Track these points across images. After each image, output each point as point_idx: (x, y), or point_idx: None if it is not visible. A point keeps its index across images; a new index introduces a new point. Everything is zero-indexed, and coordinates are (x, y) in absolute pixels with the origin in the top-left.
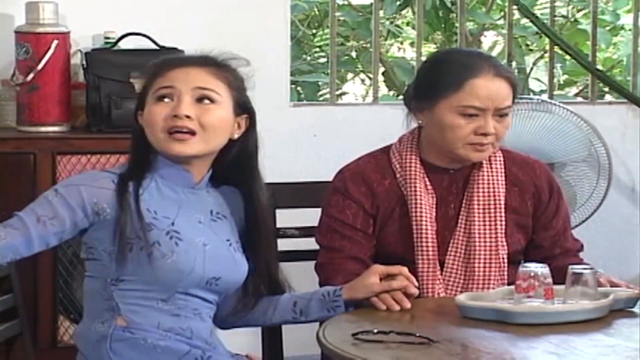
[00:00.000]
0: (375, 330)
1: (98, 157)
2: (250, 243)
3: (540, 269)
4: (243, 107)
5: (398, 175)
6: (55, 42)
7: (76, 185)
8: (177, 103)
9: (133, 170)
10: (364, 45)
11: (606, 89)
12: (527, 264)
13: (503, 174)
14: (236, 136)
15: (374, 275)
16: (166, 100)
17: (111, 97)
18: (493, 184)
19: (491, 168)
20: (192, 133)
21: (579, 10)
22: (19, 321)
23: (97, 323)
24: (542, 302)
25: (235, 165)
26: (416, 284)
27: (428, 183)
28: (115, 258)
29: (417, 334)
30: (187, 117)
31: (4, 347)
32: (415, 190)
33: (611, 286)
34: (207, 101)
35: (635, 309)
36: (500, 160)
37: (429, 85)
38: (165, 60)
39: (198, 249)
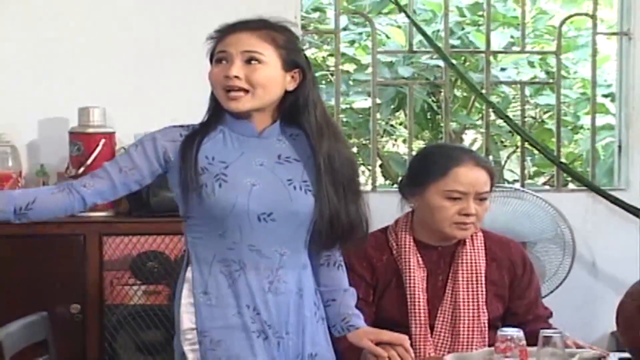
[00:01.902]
0: None
1: (138, 238)
2: (315, 182)
3: (515, 333)
4: (292, 63)
5: (394, 252)
6: (103, 140)
7: (153, 139)
8: (229, 65)
9: (204, 124)
10: (364, 142)
11: (569, 179)
12: (504, 329)
13: (483, 251)
14: (291, 88)
15: (374, 337)
16: (223, 62)
17: (150, 186)
18: (475, 259)
19: (473, 246)
20: (245, 91)
21: (545, 113)
22: None
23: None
24: None
25: (294, 112)
26: (412, 355)
27: (420, 258)
28: (181, 198)
29: None
30: (236, 77)
31: None
32: (409, 265)
33: (577, 347)
34: (254, 62)
35: None
36: (481, 239)
37: (420, 174)
38: (222, 27)
39: (242, 188)
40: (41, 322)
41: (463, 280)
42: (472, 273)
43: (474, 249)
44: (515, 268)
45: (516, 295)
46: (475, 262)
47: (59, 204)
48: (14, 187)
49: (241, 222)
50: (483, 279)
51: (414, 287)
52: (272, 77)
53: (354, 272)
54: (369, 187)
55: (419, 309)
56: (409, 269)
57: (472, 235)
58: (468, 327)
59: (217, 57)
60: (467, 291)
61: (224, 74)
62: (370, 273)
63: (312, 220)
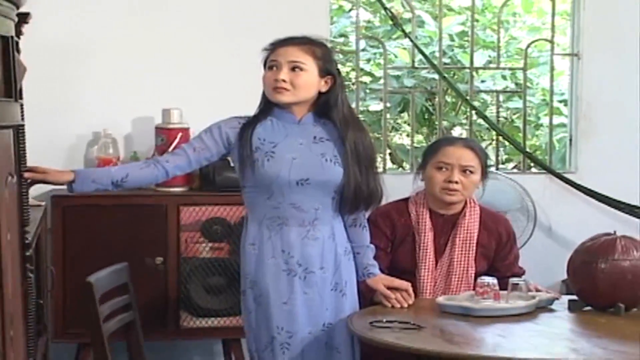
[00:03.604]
0: (385, 320)
1: (207, 207)
2: (343, 162)
3: (491, 280)
4: (326, 71)
5: (412, 216)
6: (180, 134)
7: (219, 127)
8: (278, 71)
9: (257, 115)
10: (377, 136)
11: (532, 164)
12: (483, 277)
13: (478, 221)
14: (324, 90)
15: (387, 283)
16: (274, 69)
17: (215, 168)
18: (471, 227)
19: (471, 217)
20: (287, 90)
21: (514, 114)
22: (133, 312)
23: None
24: (492, 302)
25: (326, 109)
26: (413, 298)
27: (429, 223)
28: (239, 171)
29: (412, 322)
30: (283, 80)
31: (125, 329)
32: (424, 227)
33: (537, 291)
34: (297, 69)
35: (552, 307)
36: (477, 213)
37: (425, 155)
38: (274, 41)
39: (285, 161)
40: (123, 270)
41: (459, 242)
42: (467, 237)
43: (471, 219)
44: (501, 237)
45: (499, 258)
46: (471, 229)
47: (147, 176)
48: None
49: (283, 187)
50: (475, 242)
51: (426, 243)
52: (310, 81)
53: (378, 228)
54: (380, 170)
55: (428, 260)
56: (423, 230)
57: (471, 209)
58: (459, 277)
59: (269, 64)
60: (462, 251)
61: (274, 77)
62: (391, 230)
63: (339, 185)
